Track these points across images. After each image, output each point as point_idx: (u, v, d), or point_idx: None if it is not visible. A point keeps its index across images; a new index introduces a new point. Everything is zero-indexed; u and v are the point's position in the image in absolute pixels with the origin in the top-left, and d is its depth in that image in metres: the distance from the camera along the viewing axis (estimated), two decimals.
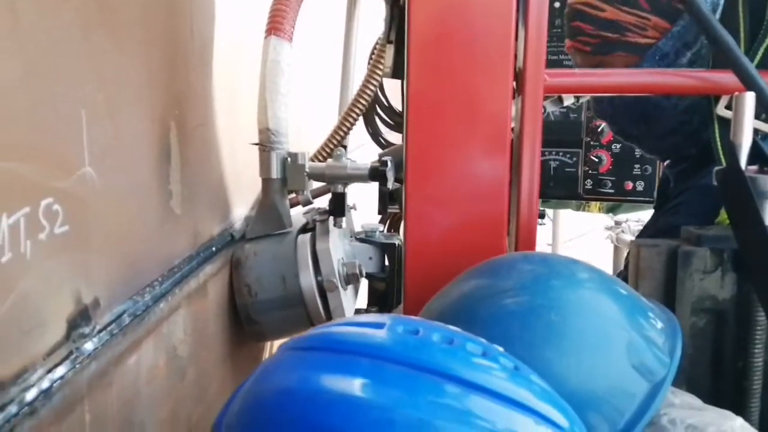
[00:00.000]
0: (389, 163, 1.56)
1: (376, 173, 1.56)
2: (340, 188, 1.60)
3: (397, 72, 1.54)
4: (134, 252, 1.05)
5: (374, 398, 0.60)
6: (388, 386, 0.61)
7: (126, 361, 1.01)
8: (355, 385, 0.62)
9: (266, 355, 1.87)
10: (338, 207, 1.61)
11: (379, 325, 0.68)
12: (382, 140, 2.92)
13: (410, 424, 0.58)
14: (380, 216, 2.36)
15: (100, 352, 0.92)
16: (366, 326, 0.69)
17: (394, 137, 2.96)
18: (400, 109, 2.78)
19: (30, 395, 0.78)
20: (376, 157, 1.67)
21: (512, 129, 1.11)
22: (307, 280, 1.53)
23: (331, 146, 1.83)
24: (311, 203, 1.78)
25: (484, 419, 0.61)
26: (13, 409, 0.74)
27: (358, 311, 1.82)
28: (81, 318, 0.89)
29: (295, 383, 0.64)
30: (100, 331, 0.92)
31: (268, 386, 0.66)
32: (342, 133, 1.84)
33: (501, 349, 0.70)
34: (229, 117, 1.52)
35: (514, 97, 1.09)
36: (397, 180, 1.69)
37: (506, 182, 1.09)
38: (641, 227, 3.72)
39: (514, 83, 1.08)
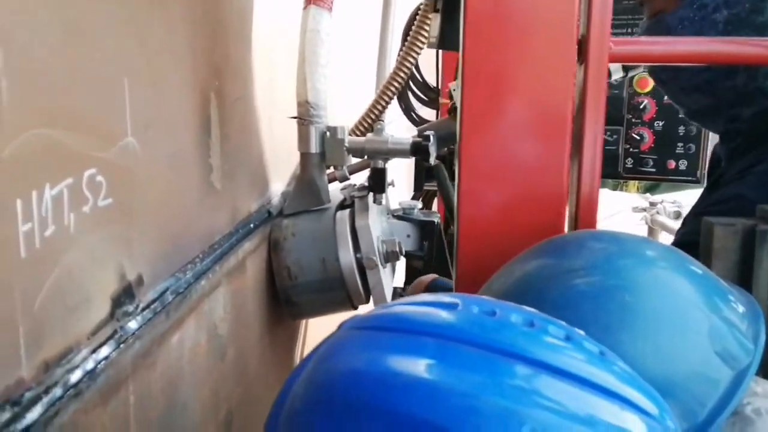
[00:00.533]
0: (432, 138, 1.51)
1: (418, 148, 1.50)
2: (380, 164, 1.54)
3: (444, 42, 1.48)
4: (176, 227, 1.01)
5: (455, 383, 0.55)
6: (468, 371, 0.56)
7: (169, 340, 0.96)
8: (431, 369, 0.57)
9: (303, 333, 1.83)
10: (378, 183, 1.55)
11: (450, 306, 0.63)
12: (414, 116, 2.87)
13: (496, 412, 0.53)
14: (414, 193, 2.31)
15: (144, 331, 0.88)
16: (435, 306, 0.64)
17: (427, 113, 2.91)
18: (434, 84, 2.73)
19: (75, 377, 0.73)
20: (408, 134, 1.62)
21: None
22: (347, 257, 1.49)
23: (369, 120, 1.78)
24: (348, 179, 1.73)
25: (573, 406, 0.56)
26: (58, 391, 0.70)
27: (395, 290, 1.78)
28: (125, 295, 0.84)
29: (365, 364, 0.59)
30: (143, 309, 0.88)
31: (336, 366, 0.61)
32: (380, 107, 1.78)
33: (582, 332, 0.65)
34: (267, 91, 1.47)
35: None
36: (437, 156, 1.64)
37: (567, 157, 1.03)
38: (677, 208, 3.66)
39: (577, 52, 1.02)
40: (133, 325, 0.85)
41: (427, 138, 1.50)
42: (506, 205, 1.05)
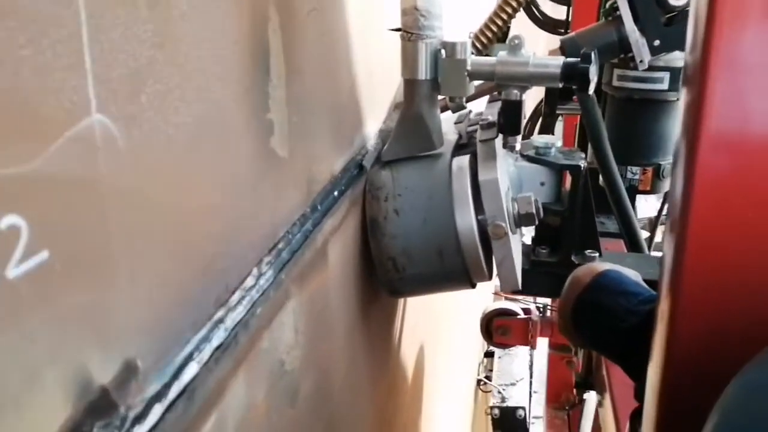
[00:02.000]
0: (593, 58, 1.04)
1: (572, 72, 1.04)
2: (514, 94, 1.09)
3: None
4: (203, 249, 0.60)
5: None
6: None
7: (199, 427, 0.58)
8: None
9: (401, 311, 1.44)
10: (512, 121, 1.10)
11: None
12: (537, 13, 2.34)
13: None
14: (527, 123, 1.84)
15: None
16: None
17: (553, 9, 2.37)
18: None
19: None
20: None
21: None
22: (466, 221, 1.07)
23: (489, 34, 1.32)
24: (464, 108, 1.29)
25: None
26: None
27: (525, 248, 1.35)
28: (100, 407, 0.46)
29: None
30: (139, 419, 0.49)
31: None
32: (506, 15, 1.31)
33: None
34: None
35: None
36: None
37: None
38: None
39: None
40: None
41: (587, 58, 1.04)
42: None
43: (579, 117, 1.99)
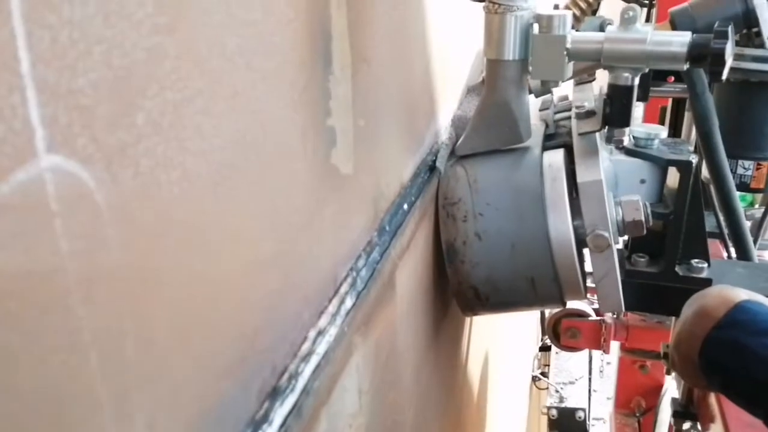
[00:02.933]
0: (729, 34, 0.82)
1: (704, 52, 0.82)
2: (625, 77, 0.88)
3: None
4: (246, 319, 0.41)
5: None
6: None
7: None
8: None
9: (469, 322, 1.25)
10: (621, 110, 0.89)
11: None
12: None
13: None
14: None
15: None
16: None
17: None
18: None
19: None
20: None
21: None
22: (562, 229, 0.88)
23: (585, 3, 1.10)
24: (550, 92, 1.09)
25: None
26: None
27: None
28: None
29: None
30: None
31: None
32: None
33: None
34: None
35: None
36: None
37: None
38: None
39: None
40: None
41: (722, 34, 0.82)
42: None
43: (669, 101, 1.76)
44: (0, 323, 0.24)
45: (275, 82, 0.43)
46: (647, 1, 1.76)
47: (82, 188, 0.27)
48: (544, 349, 3.04)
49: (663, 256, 1.12)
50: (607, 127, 0.91)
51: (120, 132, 0.29)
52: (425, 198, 0.83)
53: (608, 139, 0.95)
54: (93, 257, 0.28)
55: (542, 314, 1.97)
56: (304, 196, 0.49)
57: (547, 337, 2.25)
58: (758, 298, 0.83)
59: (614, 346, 2.11)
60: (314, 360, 0.49)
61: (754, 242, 1.40)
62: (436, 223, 0.89)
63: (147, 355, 0.32)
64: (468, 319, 1.26)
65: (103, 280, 0.29)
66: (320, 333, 0.51)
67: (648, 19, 1.79)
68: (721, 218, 1.36)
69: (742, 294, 0.84)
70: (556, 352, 2.92)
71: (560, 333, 1.72)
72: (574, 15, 1.08)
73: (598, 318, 1.71)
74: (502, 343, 2.04)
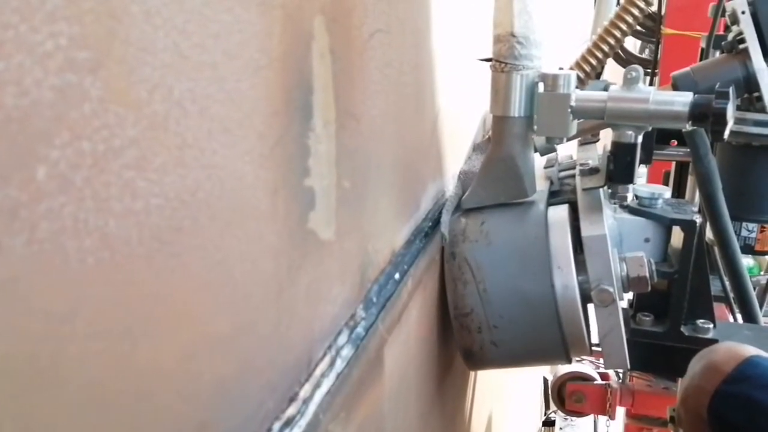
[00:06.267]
0: (731, 95, 0.84)
1: (705, 111, 0.84)
2: (629, 135, 0.90)
3: None
4: (193, 413, 0.36)
5: None
6: None
7: None
8: None
9: (468, 402, 1.24)
10: (624, 168, 0.91)
11: None
12: (620, 52, 2.14)
13: None
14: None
15: None
16: None
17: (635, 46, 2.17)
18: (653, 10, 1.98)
19: None
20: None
21: None
22: (567, 284, 0.89)
23: (589, 66, 1.13)
24: (554, 150, 1.12)
25: None
26: None
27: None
28: None
29: None
30: None
31: None
32: (607, 47, 1.11)
33: None
34: (438, 15, 0.84)
35: None
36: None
37: None
38: None
39: None
40: None
41: (724, 95, 0.84)
42: None
43: (672, 164, 1.79)
44: None
45: (239, 134, 0.39)
46: (650, 69, 1.80)
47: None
48: (548, 424, 2.96)
49: (668, 315, 1.12)
50: (610, 183, 0.93)
51: (11, 188, 0.24)
52: (420, 266, 0.78)
53: (612, 195, 0.96)
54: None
55: (545, 385, 1.94)
56: (271, 263, 0.43)
57: (550, 411, 2.21)
58: (767, 355, 0.83)
59: (620, 413, 2.07)
60: None
61: (760, 307, 1.39)
62: (440, 283, 0.90)
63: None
64: (468, 394, 1.25)
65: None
66: (287, 424, 0.45)
67: (651, 85, 1.83)
68: (726, 281, 1.36)
69: (751, 350, 0.83)
70: (560, 428, 2.86)
71: (565, 397, 1.69)
72: (578, 77, 1.10)
73: (604, 382, 1.69)
74: (503, 418, 1.99)
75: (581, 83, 1.14)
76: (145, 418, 0.32)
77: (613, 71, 1.95)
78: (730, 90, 0.83)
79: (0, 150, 0.23)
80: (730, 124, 0.84)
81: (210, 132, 0.36)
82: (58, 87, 0.26)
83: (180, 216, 0.33)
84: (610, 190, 0.96)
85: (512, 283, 0.87)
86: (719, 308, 1.38)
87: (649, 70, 1.85)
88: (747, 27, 1.09)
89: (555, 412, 2.73)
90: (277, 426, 0.44)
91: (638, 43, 2.13)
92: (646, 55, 2.38)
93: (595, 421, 2.71)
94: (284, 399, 0.46)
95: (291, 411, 0.46)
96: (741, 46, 1.11)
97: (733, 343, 0.89)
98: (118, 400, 0.30)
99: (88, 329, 0.28)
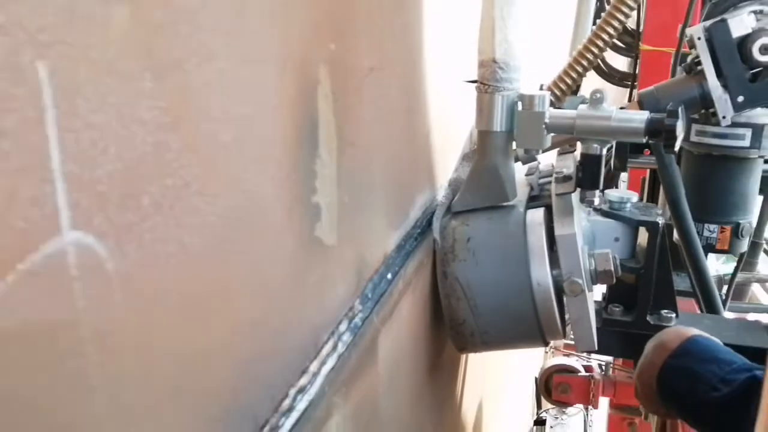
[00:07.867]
0: (680, 114, 0.98)
1: (657, 128, 0.98)
2: (594, 148, 1.04)
3: None
4: (230, 378, 0.49)
5: None
6: None
7: None
8: None
9: (464, 364, 1.37)
10: (591, 176, 1.05)
11: None
12: (603, 66, 2.29)
13: None
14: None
15: None
16: None
17: (619, 62, 2.31)
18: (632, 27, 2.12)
19: None
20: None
21: None
22: (542, 276, 1.02)
23: (563, 87, 1.27)
24: (535, 160, 1.25)
25: None
26: None
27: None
28: None
29: None
30: None
31: None
32: (581, 68, 1.25)
33: None
34: (428, 50, 0.95)
35: None
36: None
37: None
38: None
39: None
40: None
41: (673, 114, 0.98)
42: None
43: (647, 171, 1.93)
44: (27, 367, 0.30)
45: (264, 166, 0.50)
46: (629, 82, 1.94)
47: (96, 258, 0.34)
48: (539, 423, 3.07)
49: (636, 306, 1.26)
50: (579, 189, 1.07)
51: (127, 213, 0.36)
52: (409, 267, 0.90)
53: (581, 199, 1.10)
54: (103, 315, 0.34)
55: (536, 386, 2.07)
56: (288, 264, 0.55)
57: (542, 411, 2.31)
58: (709, 336, 0.97)
59: (605, 406, 2.20)
60: (294, 416, 0.55)
61: (723, 304, 1.53)
62: (433, 285, 1.03)
63: (143, 399, 0.38)
64: (458, 386, 1.38)
65: (110, 334, 0.35)
66: (300, 391, 0.56)
67: (630, 97, 1.97)
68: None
69: (694, 331, 0.98)
70: (551, 426, 2.97)
71: (552, 388, 1.81)
72: (556, 94, 1.23)
73: (588, 374, 1.81)
74: (496, 418, 2.07)
75: (559, 99, 1.27)
76: (206, 375, 0.45)
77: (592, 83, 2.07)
78: (680, 109, 0.97)
79: (123, 187, 0.35)
80: (680, 139, 0.98)
81: (245, 165, 0.47)
82: (153, 143, 0.38)
83: (227, 229, 0.45)
84: (580, 195, 1.09)
85: (498, 294, 1.01)
86: (689, 303, 1.51)
87: (628, 83, 1.99)
88: (703, 52, 1.23)
89: (546, 411, 2.83)
90: (292, 392, 0.56)
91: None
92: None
93: (584, 420, 2.81)
94: (297, 371, 0.58)
95: (303, 381, 0.57)
96: (698, 68, 1.25)
97: (681, 326, 1.03)
98: (190, 360, 0.43)
99: (172, 308, 0.40)
